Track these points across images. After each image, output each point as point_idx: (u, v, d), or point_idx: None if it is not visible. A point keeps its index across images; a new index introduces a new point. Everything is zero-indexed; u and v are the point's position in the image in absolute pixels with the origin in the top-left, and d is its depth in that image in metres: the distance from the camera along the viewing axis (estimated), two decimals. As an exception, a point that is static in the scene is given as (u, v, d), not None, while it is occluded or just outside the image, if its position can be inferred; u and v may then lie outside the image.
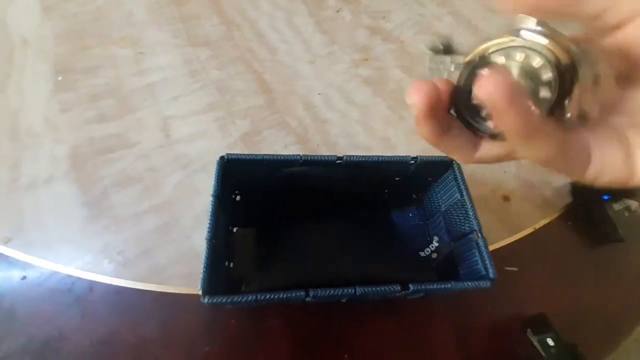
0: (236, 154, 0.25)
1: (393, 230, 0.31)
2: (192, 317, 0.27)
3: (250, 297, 0.19)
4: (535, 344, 0.26)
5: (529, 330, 0.27)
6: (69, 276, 0.27)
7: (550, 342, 0.26)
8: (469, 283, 0.22)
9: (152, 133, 0.35)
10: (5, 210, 0.29)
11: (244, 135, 0.36)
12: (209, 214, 0.23)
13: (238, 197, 0.29)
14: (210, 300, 0.19)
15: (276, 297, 0.20)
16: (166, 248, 0.29)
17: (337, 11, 0.48)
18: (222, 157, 0.25)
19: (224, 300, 0.19)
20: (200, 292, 0.19)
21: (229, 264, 0.27)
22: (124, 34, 0.42)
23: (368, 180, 0.29)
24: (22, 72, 0.38)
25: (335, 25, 0.46)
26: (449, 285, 0.21)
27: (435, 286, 0.21)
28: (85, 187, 0.31)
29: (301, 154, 0.26)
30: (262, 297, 0.20)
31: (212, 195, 0.23)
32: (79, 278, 0.27)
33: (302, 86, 0.40)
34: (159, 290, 0.27)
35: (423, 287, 0.21)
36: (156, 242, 0.29)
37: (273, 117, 0.38)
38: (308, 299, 0.20)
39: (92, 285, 0.27)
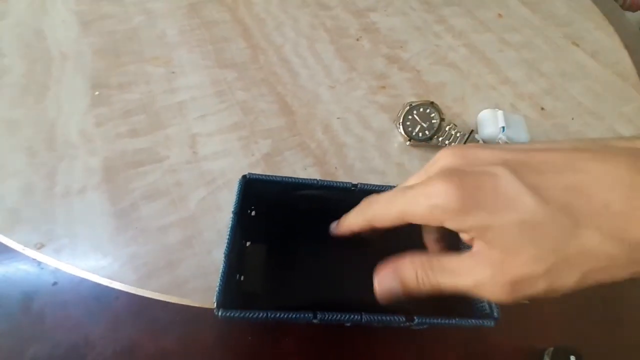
0: (257, 174, 0.27)
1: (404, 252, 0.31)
2: (211, 332, 0.28)
3: (261, 314, 0.21)
4: None
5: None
6: (97, 284, 0.28)
7: None
8: (473, 321, 0.23)
9: (180, 149, 0.36)
10: (40, 218, 0.31)
11: (265, 155, 0.38)
12: (228, 229, 0.24)
13: (253, 213, 0.30)
14: (224, 314, 0.20)
15: (285, 316, 0.21)
16: (188, 261, 0.30)
17: (357, 40, 0.50)
18: (244, 176, 0.27)
19: (237, 314, 0.21)
20: (214, 305, 0.21)
21: (239, 277, 0.28)
22: (156, 53, 0.44)
23: None
24: (60, 85, 0.41)
25: (355, 53, 0.49)
26: (454, 321, 0.22)
27: (439, 321, 0.22)
28: (115, 199, 0.33)
29: (318, 178, 0.28)
30: (272, 315, 0.21)
31: (233, 212, 0.25)
32: (107, 287, 0.28)
33: (322, 110, 0.42)
34: (180, 302, 0.28)
35: (427, 320, 0.22)
36: (179, 255, 0.30)
37: (293, 138, 0.39)
38: (315, 321, 0.21)
39: (118, 294, 0.28)
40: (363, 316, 0.22)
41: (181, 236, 0.31)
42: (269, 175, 0.27)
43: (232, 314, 0.21)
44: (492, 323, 0.23)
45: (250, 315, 0.21)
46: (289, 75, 0.45)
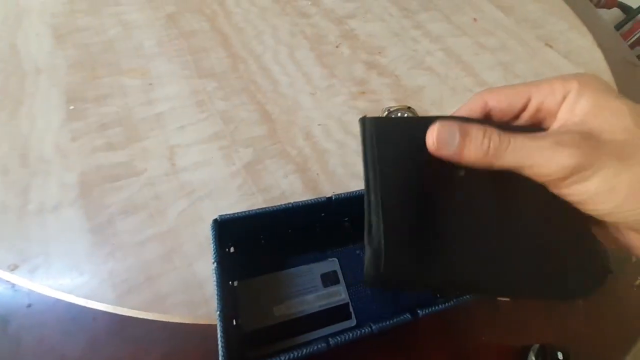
0: (229, 214, 0.26)
1: None
2: (194, 348, 0.27)
3: None
4: None
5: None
6: (73, 304, 0.28)
7: None
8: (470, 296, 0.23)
9: (158, 161, 0.36)
10: (13, 237, 0.30)
11: (246, 164, 0.37)
12: (214, 283, 0.22)
13: (232, 249, 0.29)
14: None
15: (299, 354, 0.21)
16: (169, 276, 0.30)
17: (337, 46, 0.51)
18: (215, 220, 0.25)
19: None
20: None
21: (236, 321, 0.26)
22: (133, 64, 0.44)
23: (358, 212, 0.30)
24: (34, 99, 0.40)
25: (335, 60, 0.49)
26: (453, 302, 0.23)
27: (440, 306, 0.23)
28: (91, 214, 0.32)
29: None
30: (286, 358, 0.20)
31: (214, 261, 0.23)
32: (84, 307, 0.28)
33: (303, 117, 0.42)
34: (161, 319, 0.28)
35: (430, 309, 0.22)
36: (159, 270, 0.30)
37: (274, 146, 0.39)
38: (330, 347, 0.21)
39: (95, 314, 0.27)
40: (373, 327, 0.22)
41: (161, 250, 0.31)
42: (241, 212, 0.26)
43: None
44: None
45: None
46: (269, 83, 0.45)
